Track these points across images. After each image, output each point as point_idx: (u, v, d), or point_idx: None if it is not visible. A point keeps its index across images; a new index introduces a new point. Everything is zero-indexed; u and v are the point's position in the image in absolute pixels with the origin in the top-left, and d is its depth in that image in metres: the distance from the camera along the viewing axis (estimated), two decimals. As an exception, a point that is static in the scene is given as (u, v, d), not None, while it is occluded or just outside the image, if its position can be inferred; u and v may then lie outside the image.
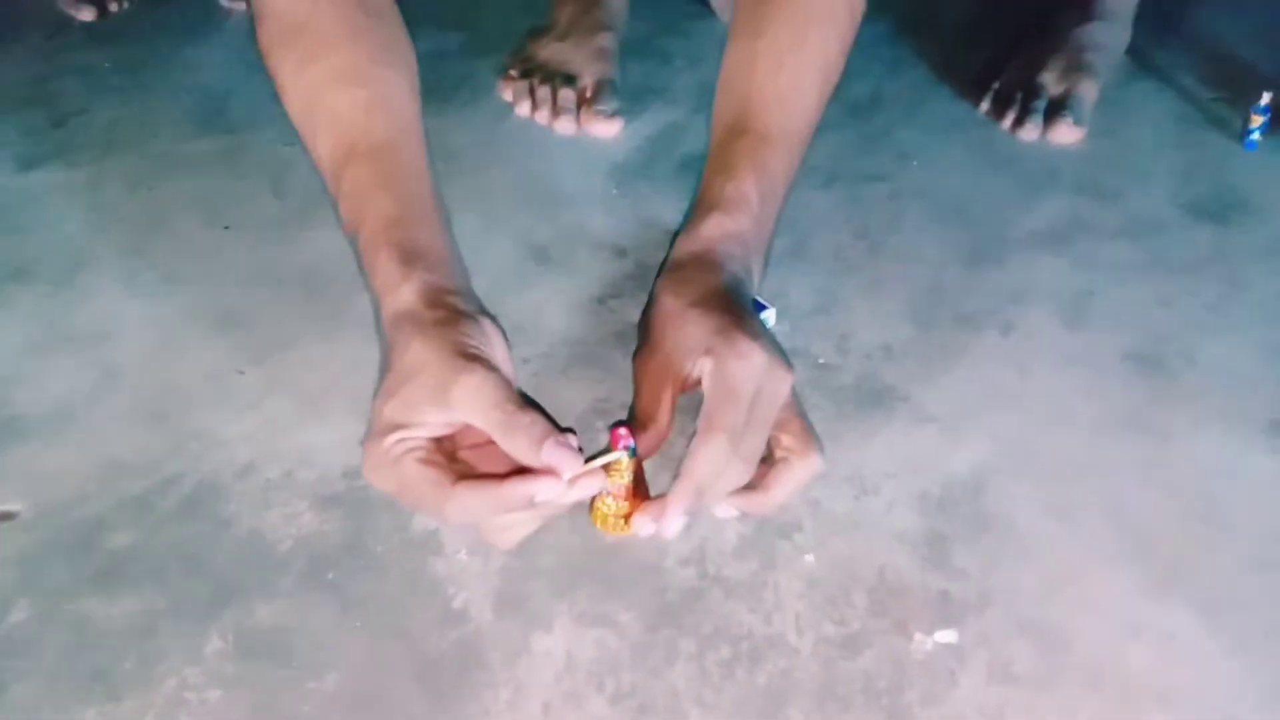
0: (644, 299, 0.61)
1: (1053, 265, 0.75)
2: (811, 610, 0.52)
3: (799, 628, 0.51)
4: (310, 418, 0.62)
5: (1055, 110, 0.88)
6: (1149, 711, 0.48)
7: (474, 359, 0.48)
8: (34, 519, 0.56)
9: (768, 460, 0.53)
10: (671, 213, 0.78)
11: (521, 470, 0.46)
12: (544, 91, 0.90)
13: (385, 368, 0.50)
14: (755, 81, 0.65)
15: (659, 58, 1.00)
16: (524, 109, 0.90)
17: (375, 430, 0.48)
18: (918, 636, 0.51)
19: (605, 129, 0.88)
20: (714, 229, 0.60)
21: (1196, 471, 0.60)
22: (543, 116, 0.89)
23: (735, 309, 0.54)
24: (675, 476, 0.50)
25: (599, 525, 0.53)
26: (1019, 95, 0.90)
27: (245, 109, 0.91)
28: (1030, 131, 0.88)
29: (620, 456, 0.50)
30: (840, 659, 0.50)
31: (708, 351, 0.51)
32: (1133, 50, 0.98)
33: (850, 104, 0.93)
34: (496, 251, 0.75)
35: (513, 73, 0.93)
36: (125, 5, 1.07)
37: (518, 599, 0.52)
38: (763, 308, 0.64)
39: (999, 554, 0.55)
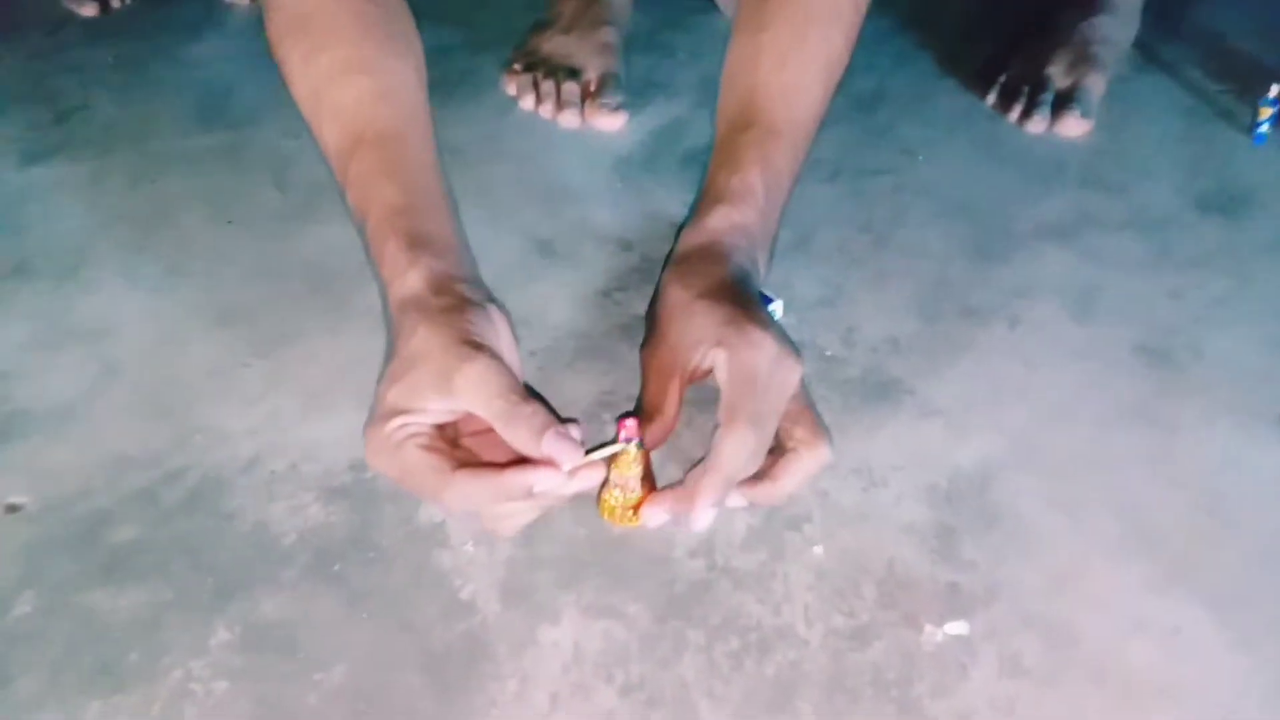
0: (649, 292, 0.61)
1: (1059, 258, 0.75)
2: (820, 602, 0.52)
3: (808, 619, 0.51)
4: (315, 411, 0.62)
5: (1062, 103, 0.88)
6: (1155, 706, 0.48)
7: (478, 347, 0.47)
8: (39, 512, 0.56)
9: (776, 450, 0.52)
10: (676, 206, 0.78)
11: (522, 460, 0.46)
12: (548, 85, 0.89)
13: (390, 353, 0.50)
14: (760, 75, 0.65)
15: (663, 51, 0.99)
16: (528, 103, 0.90)
17: (378, 415, 0.48)
18: (928, 628, 0.51)
19: (609, 123, 0.87)
20: (720, 221, 0.59)
21: (1204, 465, 0.60)
22: (546, 110, 0.89)
23: (744, 299, 0.54)
24: (688, 469, 0.50)
25: (606, 517, 0.53)
26: (1026, 88, 0.90)
27: (247, 104, 0.90)
28: (1037, 124, 0.88)
29: (623, 448, 0.50)
30: (849, 650, 0.50)
31: (719, 342, 0.51)
32: (1140, 43, 0.97)
33: (855, 98, 0.92)
34: (501, 246, 0.74)
35: (516, 67, 0.93)
36: (127, 1, 1.07)
37: (524, 590, 0.52)
38: (769, 300, 0.64)
39: (1006, 547, 0.55)
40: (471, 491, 0.45)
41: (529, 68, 0.92)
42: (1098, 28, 0.93)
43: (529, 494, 0.46)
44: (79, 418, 0.61)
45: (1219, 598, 0.53)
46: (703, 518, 0.49)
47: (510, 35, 0.97)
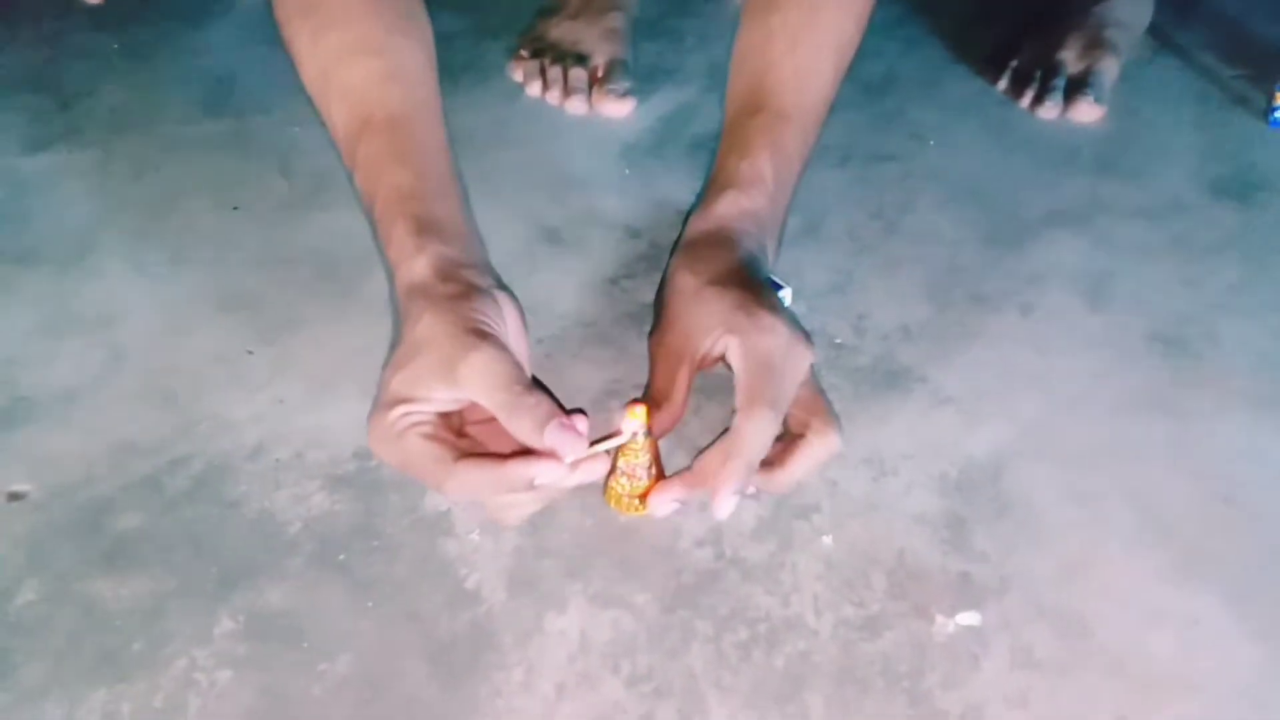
0: (657, 279, 0.60)
1: (1072, 245, 0.74)
2: (830, 592, 0.51)
3: (817, 609, 0.51)
4: (320, 398, 0.61)
5: (1075, 88, 0.87)
6: (1171, 698, 0.47)
7: (483, 335, 0.47)
8: (42, 500, 0.55)
9: (784, 437, 0.52)
10: (684, 193, 0.77)
11: (525, 450, 0.46)
12: (555, 71, 0.89)
13: (396, 340, 0.50)
14: (769, 60, 0.64)
15: (671, 37, 0.98)
16: (535, 89, 0.89)
17: (381, 402, 0.47)
18: (939, 619, 0.50)
19: (617, 109, 0.87)
20: (729, 207, 0.59)
21: (1220, 454, 0.59)
22: (554, 97, 0.88)
23: (753, 285, 0.53)
24: (696, 456, 0.49)
25: (613, 505, 0.52)
26: (1038, 73, 0.89)
27: (253, 91, 0.90)
28: (1050, 110, 0.87)
29: (628, 439, 0.49)
30: (860, 641, 0.49)
31: (729, 329, 0.50)
32: (1153, 28, 0.96)
33: (864, 83, 0.91)
34: (508, 233, 0.74)
35: (523, 53, 0.92)
36: (132, -13, 1.06)
37: (531, 579, 0.52)
38: (779, 287, 0.63)
39: (1019, 537, 0.54)
40: (473, 482, 0.45)
41: (536, 54, 0.91)
42: (1111, 11, 0.92)
43: (530, 485, 0.45)
44: (83, 405, 0.61)
45: (1236, 588, 0.52)
46: (726, 505, 0.48)
47: (517, 21, 0.97)
